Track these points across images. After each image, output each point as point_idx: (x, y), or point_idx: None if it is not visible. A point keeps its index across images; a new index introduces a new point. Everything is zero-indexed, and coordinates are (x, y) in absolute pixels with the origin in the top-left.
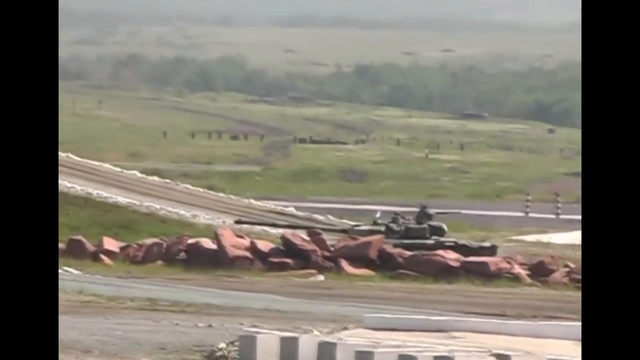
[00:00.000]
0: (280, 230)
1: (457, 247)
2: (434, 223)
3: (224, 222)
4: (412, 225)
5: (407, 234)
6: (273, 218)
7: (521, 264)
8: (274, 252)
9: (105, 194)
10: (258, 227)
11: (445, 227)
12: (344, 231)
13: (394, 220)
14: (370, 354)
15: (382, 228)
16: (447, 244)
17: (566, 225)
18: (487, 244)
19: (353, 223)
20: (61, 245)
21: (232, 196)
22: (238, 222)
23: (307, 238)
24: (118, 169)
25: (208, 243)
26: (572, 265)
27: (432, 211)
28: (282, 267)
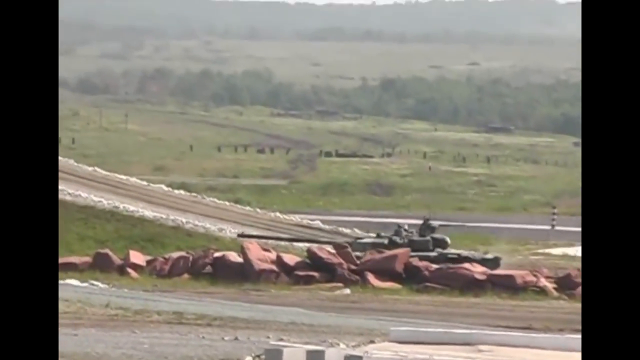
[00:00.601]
0: (306, 244)
1: (459, 260)
2: (437, 235)
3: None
4: (415, 237)
5: (410, 246)
6: (299, 232)
7: (547, 277)
8: (300, 265)
9: (131, 208)
10: (284, 242)
11: (448, 239)
12: (348, 244)
13: (397, 233)
14: None
15: (385, 241)
16: (449, 256)
17: None
18: (490, 256)
19: (362, 234)
20: (88, 259)
21: (258, 210)
22: (241, 235)
23: (333, 251)
24: (144, 183)
25: (234, 256)
26: None
27: (435, 223)
28: (308, 280)
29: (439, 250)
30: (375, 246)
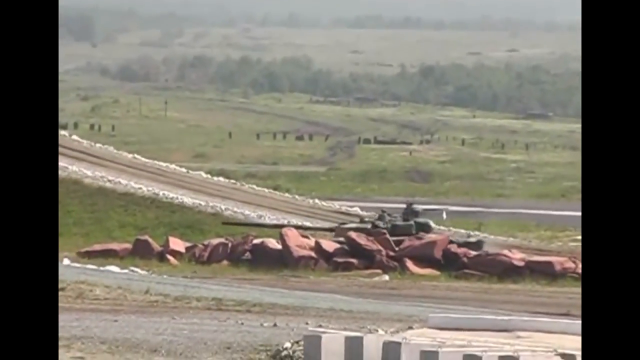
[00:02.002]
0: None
1: None
2: (420, 220)
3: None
4: (399, 222)
5: (393, 230)
6: (338, 218)
7: None
8: (338, 252)
9: (171, 195)
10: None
11: (431, 223)
12: (331, 229)
13: (380, 217)
14: (435, 353)
15: (369, 225)
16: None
17: None
18: (472, 239)
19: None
20: (128, 246)
21: (297, 196)
22: (225, 223)
23: (372, 238)
24: (184, 170)
25: (273, 243)
26: None
27: (418, 208)
28: (347, 267)
29: (423, 234)
30: (358, 231)
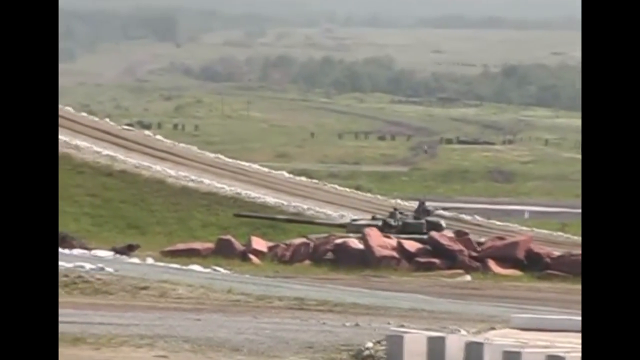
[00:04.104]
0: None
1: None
2: (431, 219)
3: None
4: (410, 220)
5: (404, 228)
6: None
7: None
8: (420, 252)
9: (253, 194)
10: None
11: (443, 222)
12: (342, 226)
13: (392, 215)
14: (518, 354)
15: (380, 223)
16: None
17: None
18: (483, 239)
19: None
20: (210, 245)
21: (379, 196)
22: (237, 215)
23: (454, 238)
24: (266, 170)
25: (355, 243)
26: None
27: (431, 207)
28: (429, 267)
29: (434, 233)
30: (369, 227)
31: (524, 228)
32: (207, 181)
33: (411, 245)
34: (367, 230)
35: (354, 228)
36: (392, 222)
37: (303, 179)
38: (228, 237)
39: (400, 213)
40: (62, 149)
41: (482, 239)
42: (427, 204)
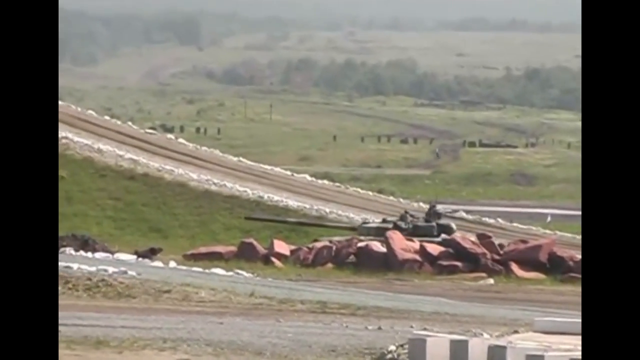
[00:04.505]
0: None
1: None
2: (442, 222)
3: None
4: (420, 223)
5: (414, 231)
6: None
7: None
8: (443, 255)
9: (276, 198)
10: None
11: (454, 225)
12: (353, 229)
13: (402, 218)
14: (541, 357)
15: (390, 225)
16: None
17: None
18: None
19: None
20: (233, 248)
21: (401, 199)
22: (248, 218)
23: (477, 241)
24: (288, 173)
25: (378, 246)
26: None
27: (442, 210)
28: (452, 270)
29: (444, 236)
30: (380, 230)
31: (547, 231)
32: (229, 184)
33: (434, 249)
34: (390, 233)
35: (365, 231)
36: (402, 224)
37: (325, 182)
38: (250, 240)
39: (411, 216)
40: (84, 153)
41: (505, 242)
42: (438, 206)
